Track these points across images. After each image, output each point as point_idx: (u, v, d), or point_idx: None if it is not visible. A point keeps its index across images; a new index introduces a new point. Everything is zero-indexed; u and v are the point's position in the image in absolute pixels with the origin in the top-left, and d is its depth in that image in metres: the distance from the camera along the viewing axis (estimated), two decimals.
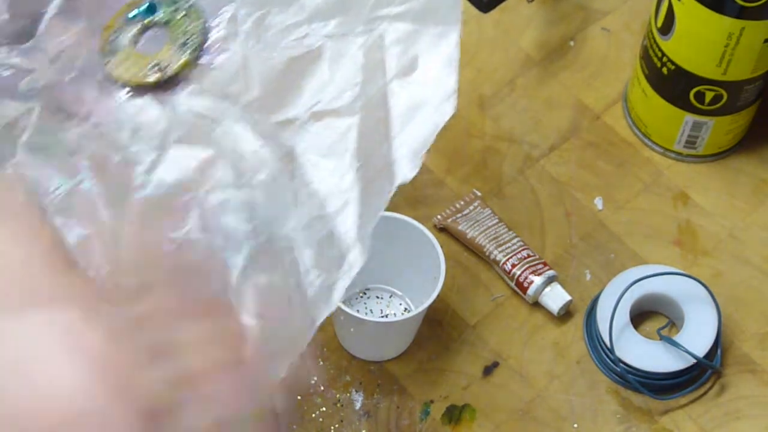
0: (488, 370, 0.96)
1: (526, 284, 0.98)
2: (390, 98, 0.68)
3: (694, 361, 0.94)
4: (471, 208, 1.02)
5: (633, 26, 1.13)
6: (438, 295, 0.91)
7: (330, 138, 0.68)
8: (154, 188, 0.68)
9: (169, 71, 0.71)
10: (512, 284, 0.99)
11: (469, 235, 1.00)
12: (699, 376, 0.96)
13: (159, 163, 0.69)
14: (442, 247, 0.93)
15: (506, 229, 1.01)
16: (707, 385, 0.96)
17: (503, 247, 0.99)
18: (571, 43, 1.12)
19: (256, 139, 0.67)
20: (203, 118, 0.68)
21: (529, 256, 0.99)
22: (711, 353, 0.96)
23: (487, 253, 1.00)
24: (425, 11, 0.69)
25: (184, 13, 0.70)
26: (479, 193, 1.03)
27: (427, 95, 0.68)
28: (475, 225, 1.01)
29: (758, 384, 0.97)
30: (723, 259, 1.02)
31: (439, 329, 0.98)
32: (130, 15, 0.73)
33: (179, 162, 0.68)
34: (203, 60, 0.69)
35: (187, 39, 0.70)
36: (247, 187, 0.68)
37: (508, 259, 0.99)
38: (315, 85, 0.67)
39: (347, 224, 0.67)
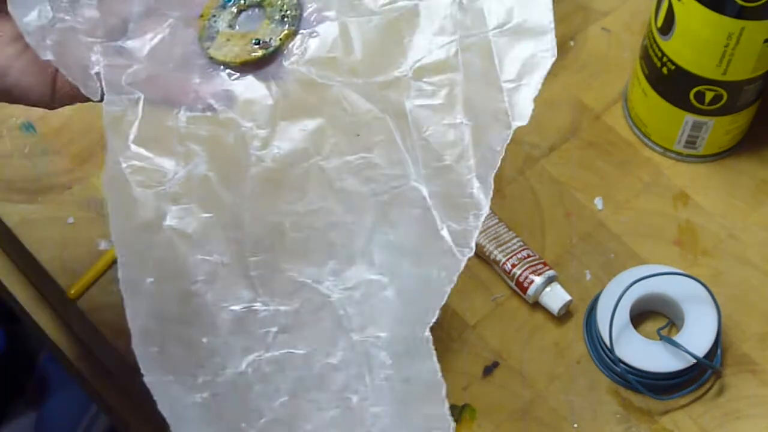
0: (488, 370, 0.96)
1: (526, 284, 0.98)
2: (492, 47, 0.69)
3: (694, 361, 0.94)
4: None
5: (633, 26, 1.13)
6: None
7: (438, 92, 0.69)
8: (271, 163, 0.70)
9: (272, 45, 0.72)
10: (512, 284, 0.99)
11: None
12: (699, 376, 0.96)
13: (272, 138, 0.70)
14: None
15: (506, 229, 1.01)
16: (707, 385, 0.96)
17: (503, 247, 0.99)
18: (571, 43, 1.12)
19: (364, 101, 0.68)
20: (310, 87, 0.70)
21: (529, 256, 0.99)
22: (711, 353, 0.96)
23: (487, 253, 1.00)
24: None
25: None
26: None
27: (527, 42, 0.69)
28: None
29: (758, 384, 0.97)
30: (723, 259, 1.02)
31: (439, 329, 0.98)
32: (225, 0, 0.74)
33: (291, 134, 0.70)
34: (303, 32, 0.71)
35: (284, 13, 0.71)
36: (362, 150, 0.69)
37: (508, 259, 0.99)
38: (416, 43, 0.69)
39: (468, 172, 0.68)
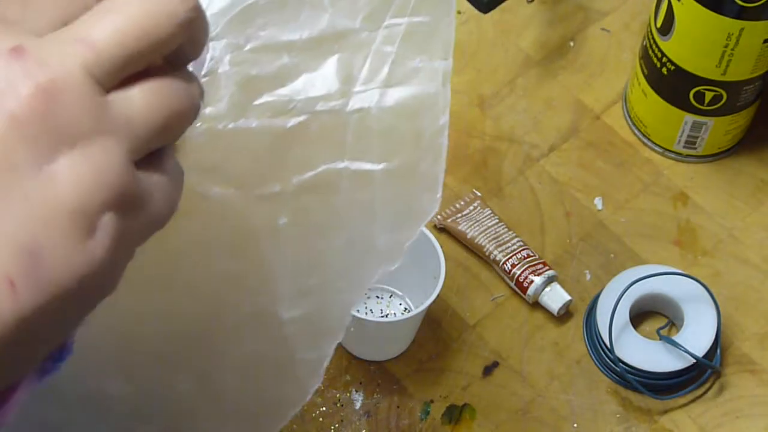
0: (488, 370, 0.97)
1: (526, 284, 0.98)
2: (375, 183, 0.66)
3: (694, 361, 0.94)
4: (471, 208, 1.02)
5: (633, 26, 1.13)
6: (438, 295, 0.91)
7: (315, 212, 0.66)
8: (134, 260, 0.67)
9: None
10: (512, 284, 0.99)
11: (469, 235, 1.00)
12: (699, 376, 0.96)
13: None
14: (442, 247, 0.93)
15: (506, 229, 1.01)
16: (707, 385, 0.97)
17: (503, 247, 1.00)
18: (571, 44, 1.13)
19: (240, 212, 0.66)
20: (186, 193, 0.67)
21: (529, 256, 0.99)
22: (710, 353, 0.96)
23: (487, 253, 1.00)
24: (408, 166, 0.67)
25: None
26: (479, 193, 1.04)
27: (412, 186, 0.66)
28: (475, 225, 1.01)
29: (758, 384, 0.97)
30: (723, 259, 1.02)
31: (439, 329, 0.98)
32: None
33: (161, 233, 0.67)
34: (188, 135, 0.67)
35: None
36: (230, 261, 0.67)
37: (508, 259, 0.99)
38: (301, 159, 0.66)
39: (333, 296, 0.66)
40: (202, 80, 0.64)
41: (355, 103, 0.64)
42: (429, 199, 0.64)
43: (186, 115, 0.48)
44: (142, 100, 0.46)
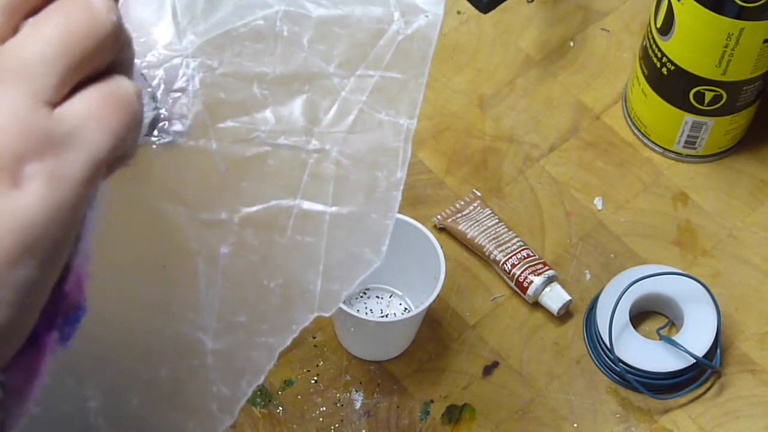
0: (488, 370, 0.97)
1: (525, 284, 0.98)
2: (324, 227, 0.66)
3: (694, 360, 0.95)
4: (471, 208, 1.02)
5: (633, 26, 1.13)
6: (438, 295, 0.91)
7: (256, 248, 0.66)
8: None
9: None
10: (512, 284, 0.99)
11: (469, 235, 1.01)
12: (698, 375, 0.96)
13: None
14: (442, 247, 0.93)
15: (506, 229, 1.01)
16: (707, 385, 0.97)
17: (503, 247, 1.00)
18: (571, 44, 1.13)
19: (182, 233, 0.65)
20: (132, 203, 0.66)
21: (528, 256, 0.99)
22: (710, 353, 0.96)
23: (487, 253, 1.00)
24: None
25: None
26: (479, 193, 1.04)
27: (359, 237, 0.66)
28: (475, 225, 1.01)
29: (757, 384, 0.97)
30: (722, 259, 1.02)
31: (439, 329, 0.98)
32: None
33: (101, 243, 0.66)
34: (149, 145, 0.67)
35: None
36: (162, 285, 0.66)
37: (508, 259, 0.99)
38: (253, 192, 0.65)
39: (258, 336, 0.66)
40: (173, 96, 0.64)
41: (316, 143, 0.64)
42: (373, 251, 0.64)
43: (94, 34, 0.46)
44: (40, 39, 0.45)
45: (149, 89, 0.63)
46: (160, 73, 0.64)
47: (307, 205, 0.64)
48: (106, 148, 0.47)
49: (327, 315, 0.64)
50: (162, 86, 0.64)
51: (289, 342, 0.63)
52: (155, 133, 0.62)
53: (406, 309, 0.98)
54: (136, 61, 0.56)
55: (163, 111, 0.64)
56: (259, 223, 0.64)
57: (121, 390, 0.65)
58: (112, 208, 0.59)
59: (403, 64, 0.63)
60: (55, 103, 0.45)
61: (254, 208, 0.64)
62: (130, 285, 0.65)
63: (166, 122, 0.64)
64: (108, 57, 0.47)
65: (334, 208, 0.64)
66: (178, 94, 0.64)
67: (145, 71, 0.63)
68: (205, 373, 0.65)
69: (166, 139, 0.64)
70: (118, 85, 0.47)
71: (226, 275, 0.64)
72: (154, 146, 0.63)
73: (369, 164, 0.63)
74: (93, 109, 0.46)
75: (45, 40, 0.45)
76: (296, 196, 0.64)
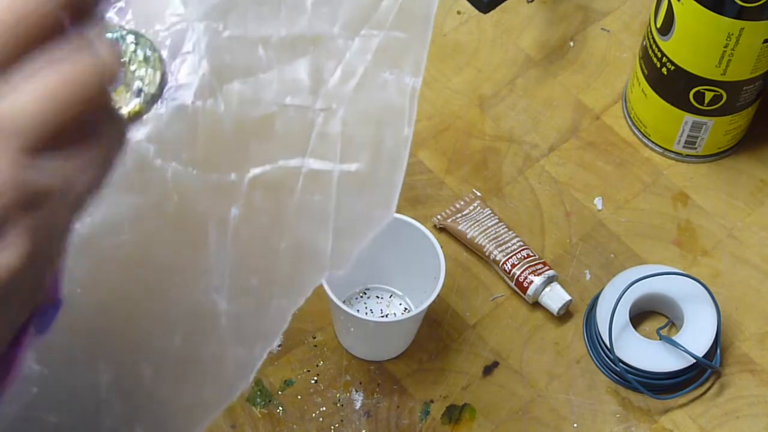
0: (488, 370, 0.97)
1: (526, 284, 0.98)
2: (333, 185, 0.66)
3: (694, 360, 0.95)
4: (471, 208, 1.02)
5: (633, 26, 1.13)
6: (438, 295, 0.91)
7: (267, 209, 0.66)
8: (81, 228, 0.64)
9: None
10: (512, 284, 0.99)
11: (469, 235, 1.01)
12: (698, 375, 0.96)
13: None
14: (442, 247, 0.93)
15: (506, 229, 1.01)
16: (707, 385, 0.97)
17: (503, 247, 1.00)
18: (571, 44, 1.13)
19: (192, 194, 0.65)
20: (142, 165, 0.66)
21: (529, 256, 0.99)
22: (710, 353, 0.96)
23: (487, 253, 1.00)
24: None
25: (142, 56, 0.67)
26: (479, 193, 1.04)
27: (368, 195, 0.66)
28: (475, 225, 1.01)
29: (757, 384, 0.97)
30: (722, 259, 1.02)
31: (439, 329, 0.98)
32: None
33: (109, 206, 0.65)
34: (156, 106, 0.67)
35: (142, 87, 0.67)
36: (173, 245, 0.65)
37: (508, 259, 0.99)
38: (261, 153, 0.65)
39: (269, 298, 0.65)
40: (180, 59, 0.64)
41: (322, 103, 0.64)
42: (383, 208, 0.63)
43: (86, 92, 0.45)
44: (29, 94, 0.44)
45: (158, 53, 0.63)
46: (167, 36, 0.64)
47: (316, 164, 0.64)
48: (87, 197, 0.46)
49: (340, 272, 0.63)
50: (169, 50, 0.64)
51: (302, 302, 0.63)
52: (163, 96, 0.62)
53: (406, 309, 0.98)
54: (142, 30, 0.56)
55: (170, 74, 0.64)
56: (269, 184, 0.64)
57: (133, 362, 0.65)
58: (120, 174, 0.59)
59: (406, 24, 0.63)
60: (36, 155, 0.44)
61: (263, 169, 0.64)
62: (140, 251, 0.65)
63: (174, 85, 0.64)
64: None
65: (342, 166, 0.64)
66: (185, 57, 0.64)
67: (152, 37, 0.63)
68: (219, 335, 0.64)
69: (175, 102, 0.64)
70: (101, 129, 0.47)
71: (237, 237, 0.64)
72: (163, 110, 0.64)
73: (376, 122, 0.63)
74: (77, 161, 0.45)
75: (37, 97, 0.44)
76: (304, 155, 0.64)
